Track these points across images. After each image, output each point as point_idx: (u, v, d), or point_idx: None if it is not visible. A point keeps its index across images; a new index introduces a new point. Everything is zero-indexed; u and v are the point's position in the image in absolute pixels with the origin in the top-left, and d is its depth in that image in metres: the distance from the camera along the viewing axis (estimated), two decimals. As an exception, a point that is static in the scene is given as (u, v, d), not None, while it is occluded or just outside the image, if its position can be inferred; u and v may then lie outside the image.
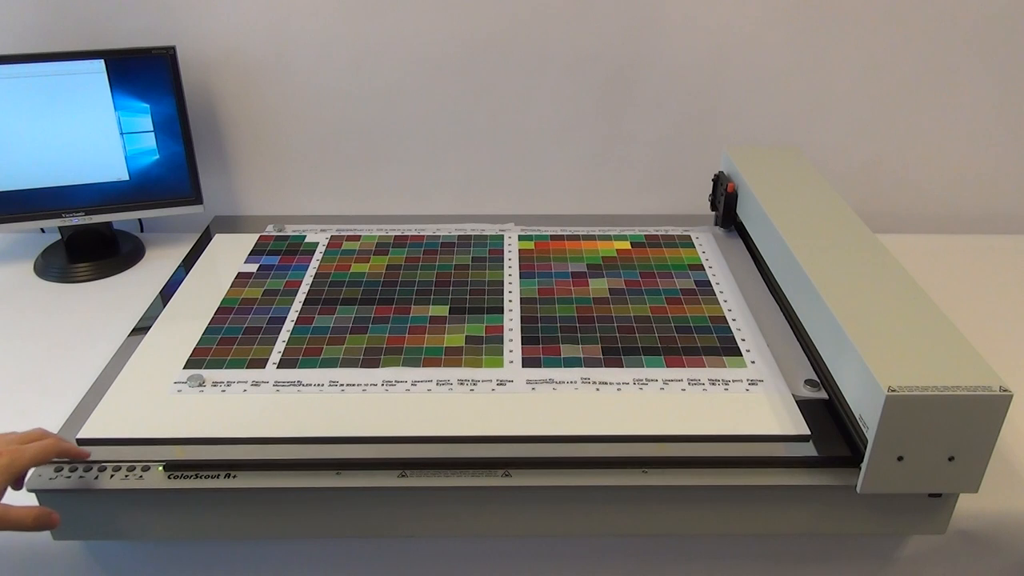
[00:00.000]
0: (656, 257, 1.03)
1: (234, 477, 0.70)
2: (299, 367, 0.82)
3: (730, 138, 1.23)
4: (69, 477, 0.69)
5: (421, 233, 1.10)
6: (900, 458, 0.64)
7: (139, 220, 1.23)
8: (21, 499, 0.67)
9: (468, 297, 0.95)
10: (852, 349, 0.68)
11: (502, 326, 0.89)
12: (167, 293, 0.98)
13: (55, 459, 0.69)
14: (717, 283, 0.97)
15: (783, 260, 0.88)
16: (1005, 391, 0.62)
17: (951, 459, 0.64)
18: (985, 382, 0.63)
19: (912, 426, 0.63)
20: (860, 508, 0.71)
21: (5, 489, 0.62)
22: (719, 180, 1.08)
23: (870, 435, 0.64)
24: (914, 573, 0.78)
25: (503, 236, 1.09)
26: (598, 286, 0.96)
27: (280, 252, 1.06)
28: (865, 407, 0.66)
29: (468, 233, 1.10)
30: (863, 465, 0.65)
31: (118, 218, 1.14)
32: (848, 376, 0.71)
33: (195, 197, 1.15)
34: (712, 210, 1.11)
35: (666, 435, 0.72)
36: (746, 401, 0.77)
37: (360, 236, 1.10)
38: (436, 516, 0.72)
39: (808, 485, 0.69)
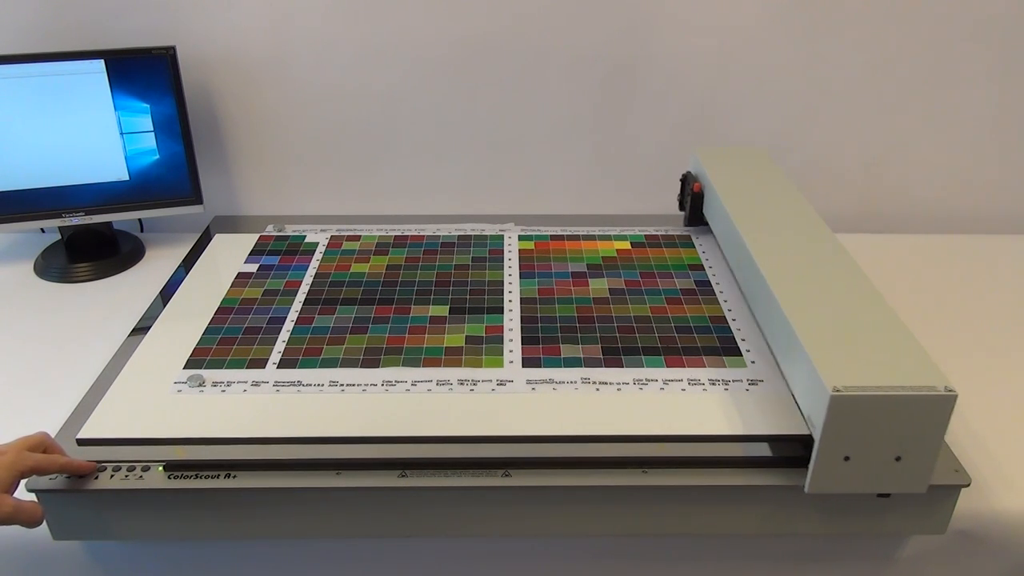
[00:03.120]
0: (656, 257, 1.03)
1: (234, 477, 0.70)
2: (299, 367, 0.82)
3: (730, 138, 1.23)
4: (69, 477, 0.69)
5: (421, 233, 1.10)
6: (847, 458, 0.64)
7: (139, 220, 1.23)
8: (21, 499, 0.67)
9: (468, 297, 0.95)
10: (801, 349, 0.68)
11: (502, 326, 0.89)
12: (167, 293, 0.98)
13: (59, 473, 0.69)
14: (717, 283, 0.97)
15: (742, 259, 0.88)
16: (949, 391, 0.62)
17: (898, 459, 0.64)
18: (930, 382, 0.63)
19: (857, 426, 0.63)
20: (861, 508, 0.71)
21: (13, 485, 0.62)
22: (686, 180, 1.09)
23: (816, 435, 0.64)
24: (914, 573, 0.78)
25: (503, 236, 1.09)
26: (598, 286, 0.96)
27: (280, 252, 1.06)
28: (812, 407, 0.66)
29: (468, 233, 1.10)
30: (810, 465, 0.65)
31: (118, 218, 1.14)
32: (798, 376, 0.71)
33: (195, 197, 1.15)
34: (680, 210, 1.11)
35: (666, 435, 0.72)
36: (746, 401, 0.77)
37: (360, 236, 1.10)
38: (436, 516, 0.72)
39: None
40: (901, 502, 0.71)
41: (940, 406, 0.62)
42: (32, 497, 0.69)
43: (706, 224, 1.07)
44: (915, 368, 0.65)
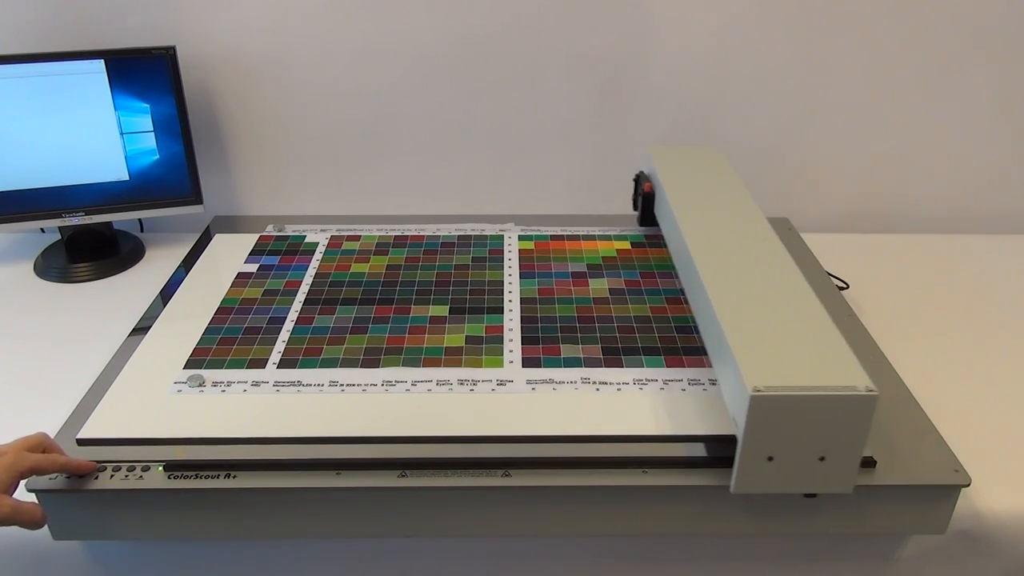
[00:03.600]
0: (656, 257, 1.03)
1: (234, 477, 0.70)
2: (299, 367, 0.82)
3: (729, 138, 1.22)
4: (69, 477, 0.69)
5: (421, 233, 1.10)
6: (770, 458, 0.64)
7: (139, 220, 1.23)
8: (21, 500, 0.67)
9: (468, 297, 0.95)
10: (727, 348, 0.68)
11: (502, 326, 0.89)
12: (167, 293, 0.98)
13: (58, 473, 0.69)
14: (717, 283, 0.97)
15: (684, 259, 0.88)
16: (870, 391, 0.61)
17: (822, 459, 0.64)
18: (851, 382, 0.62)
19: (779, 426, 0.63)
20: (864, 508, 0.71)
21: (12, 485, 0.62)
22: (639, 180, 1.09)
23: (739, 435, 0.64)
24: (914, 573, 0.78)
25: (503, 236, 1.09)
26: (598, 286, 0.96)
27: (280, 252, 1.06)
28: (736, 407, 0.65)
29: (468, 233, 1.10)
30: (734, 465, 0.65)
31: (118, 218, 1.14)
32: (724, 375, 0.71)
33: (195, 197, 1.15)
34: (634, 209, 1.11)
35: (666, 435, 0.72)
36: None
37: (360, 236, 1.10)
38: (436, 516, 0.72)
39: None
40: (901, 502, 0.71)
41: (861, 406, 0.62)
42: (32, 498, 0.69)
43: (658, 224, 1.06)
44: (838, 368, 0.64)
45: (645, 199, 1.06)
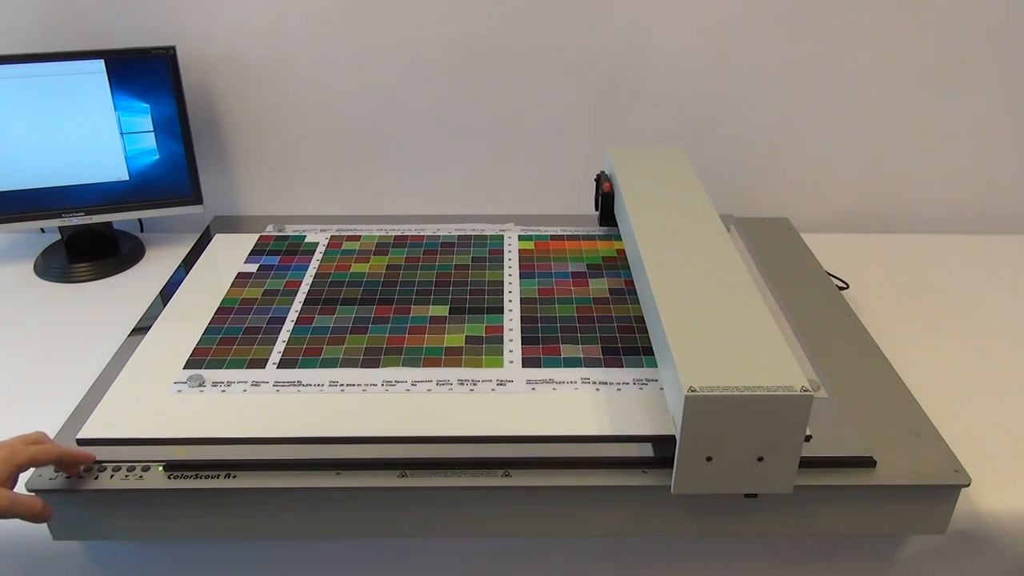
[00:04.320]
0: (656, 257, 1.03)
1: (234, 477, 0.70)
2: (299, 367, 0.82)
3: (729, 138, 1.23)
4: (69, 477, 0.69)
5: (421, 233, 1.10)
6: (709, 458, 0.64)
7: (139, 220, 1.23)
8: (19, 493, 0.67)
9: (468, 297, 0.95)
10: (668, 348, 0.68)
11: (502, 326, 0.89)
12: (167, 293, 0.98)
13: (56, 465, 0.69)
14: (717, 283, 0.97)
15: (635, 259, 0.88)
16: (805, 391, 0.61)
17: (760, 459, 0.64)
18: (787, 382, 0.62)
19: (716, 426, 0.62)
20: (869, 508, 0.71)
21: (10, 479, 0.62)
22: (599, 180, 1.08)
23: (677, 435, 0.64)
24: (914, 573, 0.78)
25: (503, 236, 1.09)
26: (598, 286, 0.96)
27: (280, 252, 1.06)
28: (675, 407, 0.65)
29: (468, 233, 1.10)
30: (674, 465, 0.65)
31: (118, 218, 1.14)
32: (666, 376, 0.71)
33: (195, 197, 1.15)
34: (595, 209, 1.11)
35: (666, 435, 0.72)
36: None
37: (360, 236, 1.09)
38: (436, 516, 0.72)
39: (816, 485, 0.69)
40: (901, 502, 0.71)
41: (797, 406, 0.62)
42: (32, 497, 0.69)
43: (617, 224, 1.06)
44: (775, 368, 0.64)
45: (604, 199, 1.07)
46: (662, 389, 0.78)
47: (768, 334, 0.69)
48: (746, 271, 0.78)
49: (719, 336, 0.68)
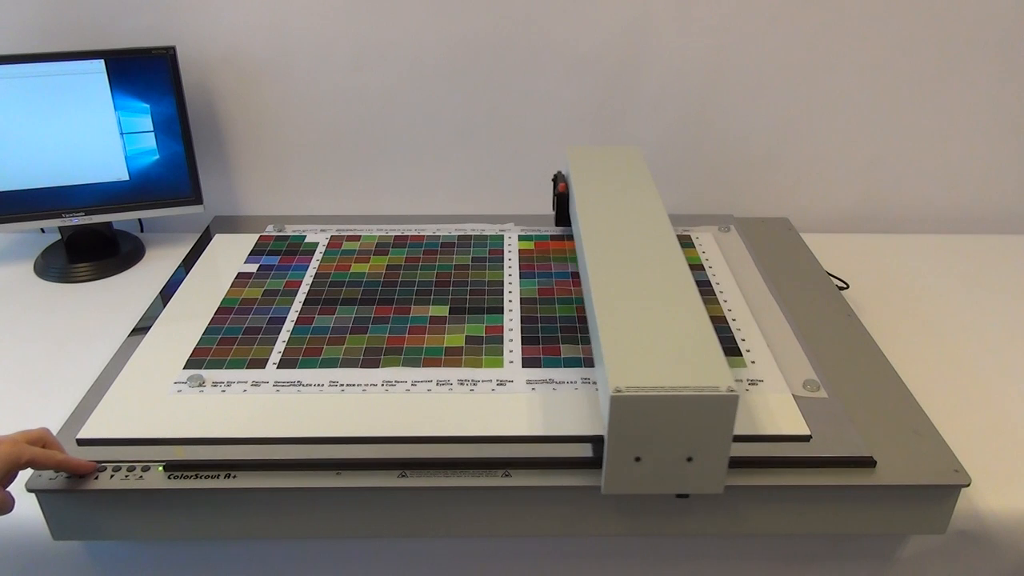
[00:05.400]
0: (656, 257, 1.03)
1: (234, 477, 0.70)
2: (299, 367, 0.82)
3: (729, 138, 1.23)
4: (69, 477, 0.69)
5: (421, 233, 1.10)
6: (638, 459, 0.64)
7: (139, 220, 1.23)
8: (20, 500, 0.67)
9: (468, 297, 0.95)
10: (600, 348, 0.68)
11: (502, 326, 0.89)
12: (167, 293, 0.98)
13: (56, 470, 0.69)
14: (717, 283, 0.97)
15: (581, 259, 0.87)
16: (731, 391, 0.61)
17: (690, 459, 0.64)
18: (714, 382, 0.62)
19: (642, 426, 0.62)
20: (869, 508, 0.71)
21: (10, 476, 0.62)
22: (556, 180, 1.08)
23: (606, 435, 0.64)
24: (914, 573, 0.78)
25: (503, 236, 1.09)
26: (598, 286, 0.96)
27: (280, 252, 1.06)
28: (604, 407, 0.65)
29: (468, 233, 1.10)
30: (603, 466, 0.65)
31: (118, 218, 1.14)
32: (599, 375, 0.71)
33: (195, 197, 1.15)
34: (552, 209, 1.10)
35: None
36: (746, 401, 0.77)
37: (360, 236, 1.10)
38: (436, 516, 0.72)
39: (816, 485, 0.70)
40: (901, 502, 0.71)
41: (723, 406, 0.61)
42: (32, 498, 0.69)
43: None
44: (703, 369, 0.64)
45: (559, 199, 1.06)
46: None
47: (702, 335, 0.68)
48: (688, 272, 0.77)
49: (652, 337, 0.68)
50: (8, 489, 0.64)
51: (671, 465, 0.64)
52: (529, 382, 0.79)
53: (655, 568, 0.79)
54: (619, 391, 0.61)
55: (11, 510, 0.64)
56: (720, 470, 0.65)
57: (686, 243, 1.07)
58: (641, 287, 0.75)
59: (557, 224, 1.09)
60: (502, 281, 0.98)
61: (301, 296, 0.95)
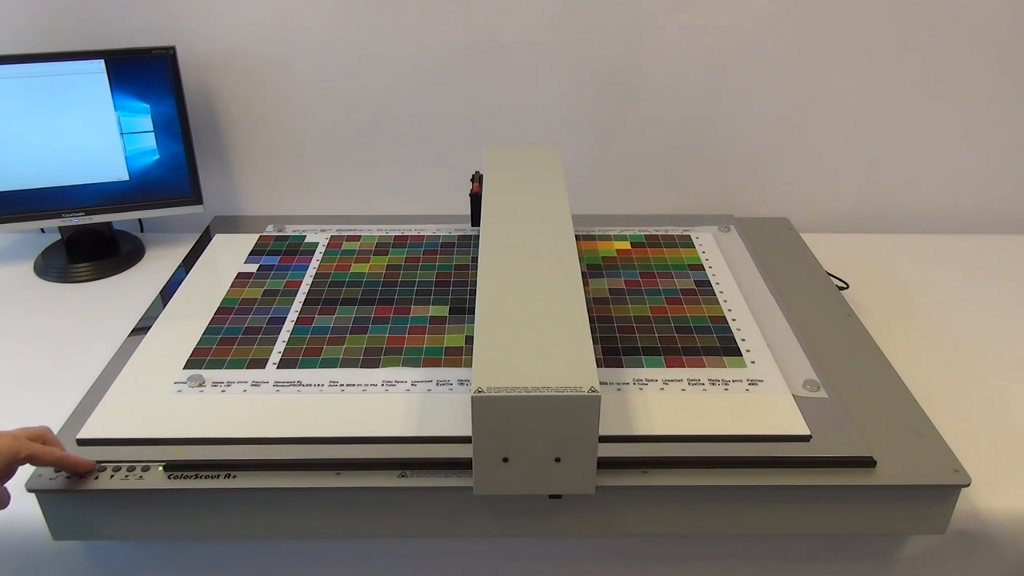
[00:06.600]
0: (656, 257, 1.03)
1: (234, 477, 0.70)
2: (299, 367, 0.82)
3: (729, 138, 1.23)
4: (69, 477, 0.69)
5: (421, 233, 1.10)
6: (506, 459, 0.64)
7: (139, 220, 1.23)
8: (20, 500, 0.68)
9: (468, 297, 0.95)
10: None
11: (502, 326, 0.88)
12: (167, 293, 0.98)
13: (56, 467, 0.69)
14: (717, 283, 0.97)
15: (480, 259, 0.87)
16: (594, 392, 0.61)
17: (558, 460, 0.64)
18: (576, 383, 0.61)
19: (507, 427, 0.62)
20: (869, 508, 0.71)
21: (9, 471, 0.62)
22: (473, 180, 1.08)
23: (472, 436, 0.63)
24: (914, 573, 0.78)
25: (503, 236, 1.09)
26: (598, 286, 0.96)
27: (280, 252, 1.06)
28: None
29: (468, 233, 1.10)
30: (473, 467, 0.65)
31: (118, 218, 1.14)
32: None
33: (195, 197, 1.15)
34: (470, 210, 1.10)
35: (666, 435, 0.72)
36: (746, 401, 0.77)
37: (360, 236, 1.10)
38: (436, 516, 0.72)
39: (816, 485, 0.69)
40: (901, 502, 0.71)
41: (586, 407, 0.61)
42: (32, 498, 0.69)
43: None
44: (569, 369, 0.63)
45: (473, 199, 1.06)
46: (662, 389, 0.78)
47: (577, 336, 0.67)
48: (578, 274, 0.76)
49: (525, 337, 0.67)
50: (6, 486, 0.64)
51: (539, 466, 0.64)
52: (529, 382, 0.79)
53: (655, 568, 0.79)
54: (480, 391, 0.61)
55: (6, 506, 0.64)
56: (589, 470, 0.64)
57: (686, 243, 1.07)
58: (526, 287, 0.74)
59: (473, 224, 1.09)
60: (502, 281, 0.98)
61: (301, 296, 0.95)
